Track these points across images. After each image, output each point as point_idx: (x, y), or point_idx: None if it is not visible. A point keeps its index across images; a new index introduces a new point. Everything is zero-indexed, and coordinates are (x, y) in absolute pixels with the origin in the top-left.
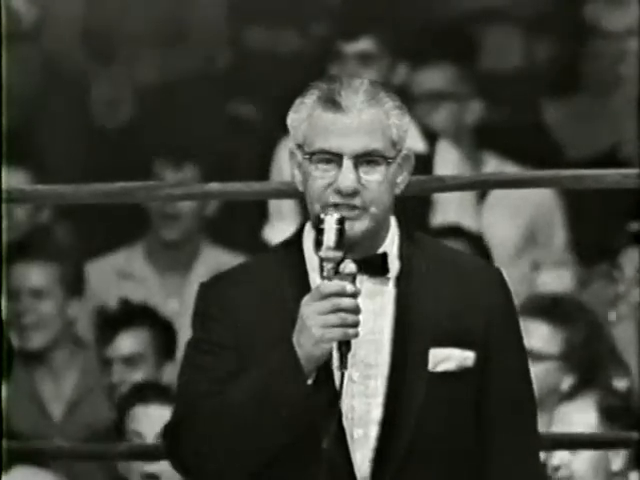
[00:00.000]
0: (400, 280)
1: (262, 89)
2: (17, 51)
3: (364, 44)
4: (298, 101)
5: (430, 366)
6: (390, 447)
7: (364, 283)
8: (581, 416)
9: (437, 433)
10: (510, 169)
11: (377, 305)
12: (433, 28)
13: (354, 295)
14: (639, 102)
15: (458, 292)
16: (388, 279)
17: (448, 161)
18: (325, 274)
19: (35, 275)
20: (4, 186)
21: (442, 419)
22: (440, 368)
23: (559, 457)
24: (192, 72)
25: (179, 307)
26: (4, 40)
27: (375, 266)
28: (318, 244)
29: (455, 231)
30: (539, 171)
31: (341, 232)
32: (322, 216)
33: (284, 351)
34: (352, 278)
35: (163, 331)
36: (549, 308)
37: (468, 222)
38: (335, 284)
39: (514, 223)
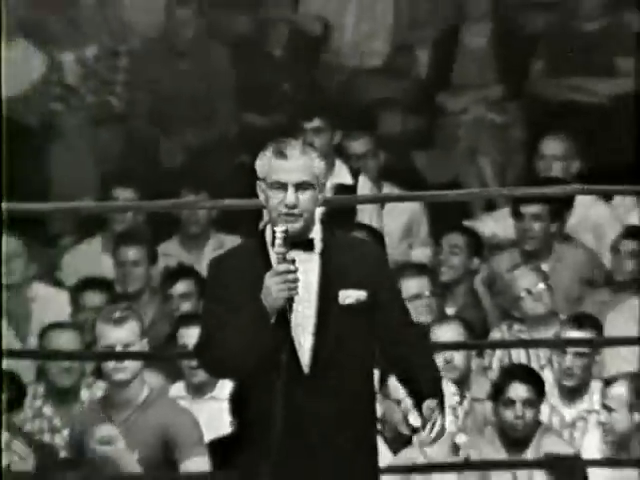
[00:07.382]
0: (322, 254)
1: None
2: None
3: (317, 122)
4: (261, 154)
5: (340, 301)
6: (320, 349)
7: (300, 255)
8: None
9: (348, 346)
10: (396, 191)
11: (308, 268)
12: (355, 110)
13: (294, 272)
14: None
15: (356, 259)
16: (314, 253)
17: (365, 187)
18: (278, 260)
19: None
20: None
21: (349, 336)
22: (346, 302)
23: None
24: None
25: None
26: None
27: (306, 245)
28: (272, 244)
29: (363, 227)
30: (413, 192)
31: (286, 237)
32: (275, 228)
33: (257, 305)
34: (293, 261)
35: (200, 281)
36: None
37: (375, 222)
38: (284, 266)
39: (398, 222)
